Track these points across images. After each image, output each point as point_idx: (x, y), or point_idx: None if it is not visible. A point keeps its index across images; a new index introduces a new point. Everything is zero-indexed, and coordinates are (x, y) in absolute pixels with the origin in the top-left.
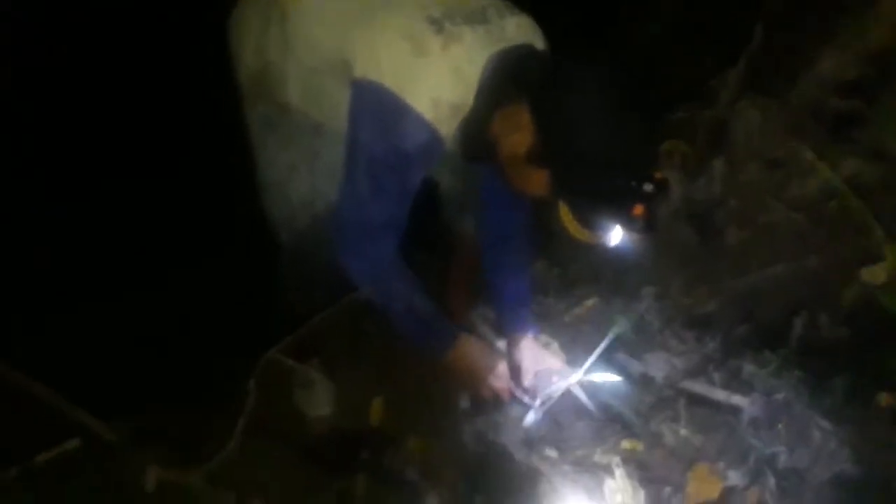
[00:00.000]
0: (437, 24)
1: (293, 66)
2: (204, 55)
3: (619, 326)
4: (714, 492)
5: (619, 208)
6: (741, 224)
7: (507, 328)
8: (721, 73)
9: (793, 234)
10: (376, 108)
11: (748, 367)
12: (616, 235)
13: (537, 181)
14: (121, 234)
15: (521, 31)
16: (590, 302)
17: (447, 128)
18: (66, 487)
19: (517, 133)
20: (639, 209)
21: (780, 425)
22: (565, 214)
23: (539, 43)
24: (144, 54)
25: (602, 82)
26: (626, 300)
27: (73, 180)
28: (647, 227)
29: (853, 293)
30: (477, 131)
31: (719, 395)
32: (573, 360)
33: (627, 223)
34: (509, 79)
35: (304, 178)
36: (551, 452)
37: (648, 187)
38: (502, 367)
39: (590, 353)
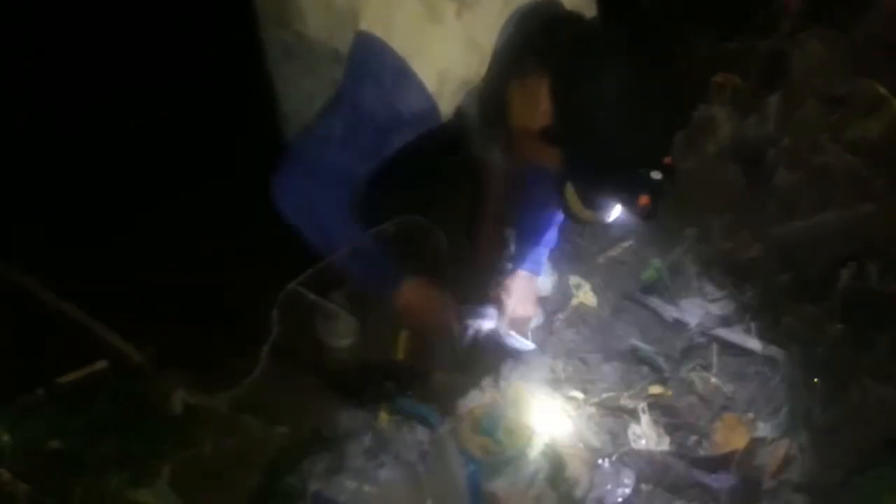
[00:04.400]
0: None
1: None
2: None
3: (654, 270)
4: (741, 441)
5: (625, 196)
6: (793, 166)
7: (515, 260)
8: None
9: (848, 179)
10: (378, 66)
11: (787, 318)
12: (615, 213)
13: (548, 156)
14: (150, 158)
15: None
16: (626, 244)
17: (449, 103)
18: (92, 408)
19: (532, 107)
20: (645, 199)
21: (816, 380)
22: (570, 193)
23: None
24: None
25: (628, 60)
26: (665, 243)
27: (102, 101)
28: (652, 213)
29: None
30: (490, 98)
31: (754, 344)
32: (604, 302)
33: (631, 209)
34: (528, 48)
35: None
36: (576, 394)
37: (656, 175)
38: (450, 301)
39: (622, 296)
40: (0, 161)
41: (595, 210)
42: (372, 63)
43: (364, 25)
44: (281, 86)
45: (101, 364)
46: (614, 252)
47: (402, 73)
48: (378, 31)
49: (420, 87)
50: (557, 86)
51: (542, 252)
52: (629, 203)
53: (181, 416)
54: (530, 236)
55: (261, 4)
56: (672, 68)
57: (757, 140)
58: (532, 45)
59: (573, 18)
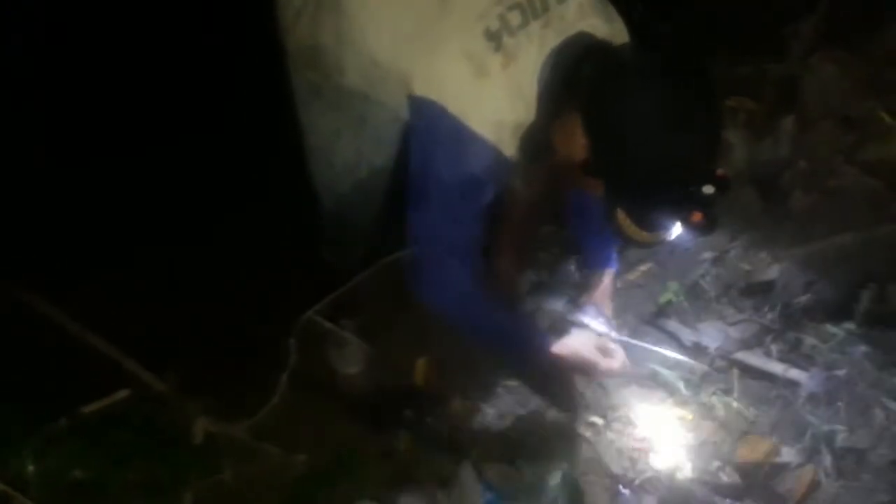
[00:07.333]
0: (495, 40)
1: (351, 55)
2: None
3: (672, 293)
4: (761, 454)
5: (676, 214)
6: (808, 188)
7: (591, 263)
8: (794, 22)
9: (865, 200)
10: (439, 132)
11: (809, 340)
12: (675, 231)
13: (593, 186)
14: (168, 192)
15: (581, 12)
16: (644, 267)
17: (510, 146)
18: (115, 437)
19: (571, 143)
20: (697, 215)
21: (840, 403)
22: (622, 218)
23: (599, 23)
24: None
25: (659, 81)
26: (682, 265)
27: (122, 137)
28: (708, 227)
29: None
30: (536, 139)
31: (776, 367)
32: (621, 328)
33: (687, 226)
34: (561, 87)
35: (349, 144)
36: (596, 419)
37: (708, 190)
38: (612, 347)
39: (640, 320)
40: (25, 193)
41: (651, 231)
42: (434, 131)
43: (418, 90)
44: (306, 122)
45: (123, 393)
46: (631, 276)
47: (462, 135)
48: (432, 95)
49: (483, 142)
50: (591, 118)
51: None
52: (682, 221)
53: (202, 445)
54: (597, 256)
55: (292, 48)
56: (707, 83)
57: (772, 163)
58: (564, 83)
59: (601, 49)
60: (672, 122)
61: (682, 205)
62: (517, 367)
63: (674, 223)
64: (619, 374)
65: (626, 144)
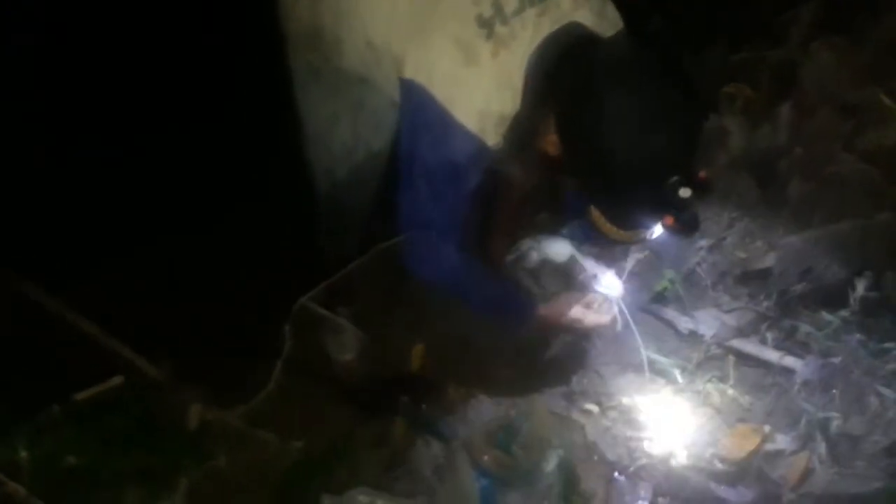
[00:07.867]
0: (487, 27)
1: (348, 36)
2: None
3: (668, 281)
4: (753, 444)
5: (649, 216)
6: (806, 175)
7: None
8: (792, 8)
9: (863, 188)
10: (425, 116)
11: (804, 328)
12: (656, 231)
13: (571, 183)
14: (165, 179)
15: (576, 2)
16: (639, 255)
17: (493, 136)
18: (109, 424)
19: (549, 138)
20: (669, 219)
21: (835, 390)
22: (596, 215)
23: (592, 13)
24: None
25: (634, 81)
26: (678, 253)
27: (118, 124)
28: (684, 231)
29: None
30: (521, 129)
31: (771, 355)
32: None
33: (663, 228)
34: (543, 79)
35: (347, 128)
36: (592, 406)
37: (685, 193)
38: (600, 302)
39: (636, 307)
40: (23, 180)
41: (626, 230)
42: (419, 115)
43: (408, 73)
44: (305, 107)
45: (117, 380)
46: (627, 264)
47: (445, 122)
48: (421, 79)
49: (465, 132)
50: (563, 115)
51: None
52: (656, 223)
53: (197, 431)
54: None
55: (292, 31)
56: (686, 85)
57: (769, 150)
58: (547, 76)
59: (587, 42)
60: (642, 122)
61: (654, 207)
62: (511, 330)
63: (650, 223)
64: (607, 327)
65: (594, 145)
